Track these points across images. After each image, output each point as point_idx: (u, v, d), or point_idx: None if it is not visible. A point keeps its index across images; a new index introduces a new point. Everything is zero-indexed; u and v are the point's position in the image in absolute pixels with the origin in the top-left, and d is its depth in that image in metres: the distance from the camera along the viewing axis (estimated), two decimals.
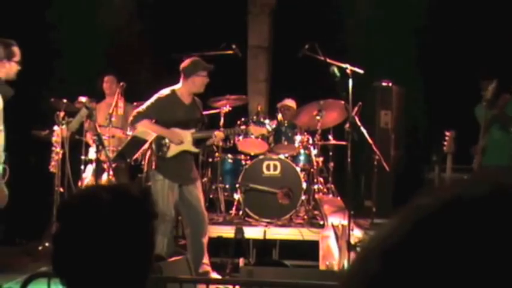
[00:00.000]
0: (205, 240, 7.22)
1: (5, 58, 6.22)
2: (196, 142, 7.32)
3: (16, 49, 6.29)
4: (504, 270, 0.54)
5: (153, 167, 7.19)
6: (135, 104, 8.86)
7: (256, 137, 8.16)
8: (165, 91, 7.20)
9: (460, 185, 0.62)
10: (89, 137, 8.33)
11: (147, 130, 7.22)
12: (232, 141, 8.57)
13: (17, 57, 6.29)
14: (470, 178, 0.63)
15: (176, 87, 7.22)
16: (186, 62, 7.24)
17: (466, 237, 0.56)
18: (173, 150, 7.17)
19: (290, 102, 9.52)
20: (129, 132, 8.24)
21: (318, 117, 8.57)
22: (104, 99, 9.20)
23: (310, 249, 7.72)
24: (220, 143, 8.39)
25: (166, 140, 7.17)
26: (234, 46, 8.70)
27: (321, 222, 8.18)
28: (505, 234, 0.55)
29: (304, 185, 8.22)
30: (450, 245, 0.56)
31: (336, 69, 7.40)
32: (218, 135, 7.50)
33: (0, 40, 6.31)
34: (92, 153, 8.02)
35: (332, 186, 8.96)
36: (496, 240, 0.55)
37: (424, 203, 0.61)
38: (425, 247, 0.57)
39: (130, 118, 7.19)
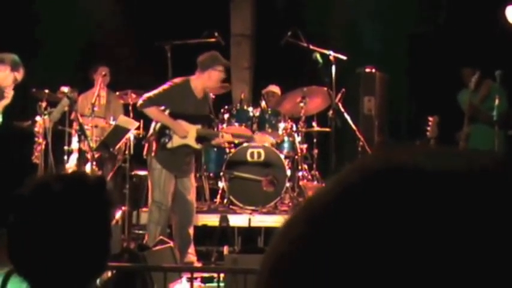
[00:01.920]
0: (191, 230, 7.23)
1: (9, 65, 6.62)
2: (199, 139, 7.27)
3: (22, 69, 6.96)
4: (426, 243, 0.53)
5: (153, 154, 7.12)
6: (117, 93, 8.82)
7: (260, 146, 8.09)
8: (179, 80, 7.12)
9: (402, 153, 0.60)
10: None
11: (153, 117, 7.14)
12: (216, 129, 8.55)
13: (20, 75, 6.65)
14: (421, 148, 0.61)
15: (191, 78, 7.13)
16: (204, 55, 7.15)
17: (395, 209, 0.54)
18: (175, 142, 7.10)
19: (275, 88, 9.52)
20: (112, 122, 8.21)
21: (301, 104, 8.55)
22: (89, 88, 9.09)
23: None
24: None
25: (170, 132, 7.10)
26: (216, 34, 8.66)
27: None
28: (432, 212, 0.54)
29: (288, 172, 8.22)
30: (378, 214, 0.54)
31: (318, 56, 7.41)
32: (226, 137, 7.44)
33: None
34: (74, 143, 7.98)
35: (316, 173, 8.95)
36: (422, 216, 0.54)
37: (359, 168, 0.59)
38: (353, 213, 0.55)
39: (140, 102, 7.08)
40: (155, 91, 7.07)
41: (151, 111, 7.06)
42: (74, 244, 1.77)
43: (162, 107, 7.06)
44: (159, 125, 7.13)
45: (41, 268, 1.77)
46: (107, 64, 8.84)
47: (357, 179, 0.58)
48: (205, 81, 7.10)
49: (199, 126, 7.21)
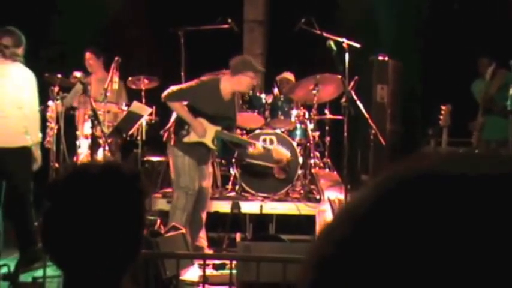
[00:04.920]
0: (204, 215, 7.29)
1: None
2: (230, 144, 7.30)
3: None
4: (463, 246, 0.56)
5: (172, 142, 7.10)
6: (130, 78, 8.82)
7: (276, 162, 7.89)
8: (209, 79, 7.06)
9: (436, 158, 0.65)
10: (82, 113, 8.36)
11: (175, 111, 7.09)
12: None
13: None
14: (451, 153, 0.66)
15: (222, 78, 7.05)
16: (236, 59, 7.08)
17: (434, 212, 0.58)
18: (192, 138, 7.05)
19: (289, 75, 9.50)
20: (124, 107, 8.21)
21: (314, 92, 8.53)
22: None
23: (306, 224, 7.72)
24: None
25: (189, 128, 7.06)
26: (230, 20, 8.64)
27: (318, 197, 8.18)
28: (467, 215, 0.58)
29: (300, 160, 8.21)
30: (416, 218, 0.58)
31: (332, 43, 7.37)
32: (258, 149, 7.37)
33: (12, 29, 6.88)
34: (87, 129, 7.99)
35: (328, 160, 8.94)
36: (459, 219, 0.57)
37: (397, 173, 0.64)
38: (393, 217, 0.60)
39: (165, 93, 6.98)
40: (183, 86, 7.04)
41: (174, 105, 7.00)
42: (107, 233, 1.78)
43: (186, 102, 7.01)
44: (179, 119, 7.09)
45: (74, 256, 1.78)
46: (95, 49, 8.83)
47: (393, 186, 0.62)
48: (234, 85, 7.02)
49: (219, 128, 7.14)
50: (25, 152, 6.73)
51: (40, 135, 7.00)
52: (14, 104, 6.65)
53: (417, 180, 0.61)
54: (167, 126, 7.25)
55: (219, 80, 7.04)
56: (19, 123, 6.67)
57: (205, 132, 7.06)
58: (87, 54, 8.79)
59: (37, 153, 6.87)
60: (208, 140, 7.12)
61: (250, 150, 7.40)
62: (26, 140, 6.71)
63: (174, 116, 7.20)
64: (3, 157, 6.63)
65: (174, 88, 7.01)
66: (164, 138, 7.27)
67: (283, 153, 7.54)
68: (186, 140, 7.06)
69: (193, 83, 7.02)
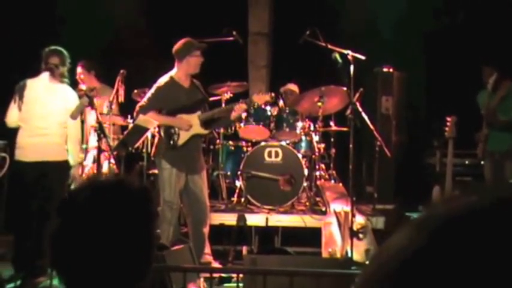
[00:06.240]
0: (206, 230, 7.19)
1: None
2: (206, 123, 7.27)
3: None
4: None
5: (161, 155, 7.13)
6: (135, 91, 8.82)
7: (261, 106, 8.00)
8: (163, 79, 7.13)
9: (472, 195, 0.63)
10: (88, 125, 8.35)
11: (153, 121, 7.15)
12: (233, 128, 8.56)
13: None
14: (482, 188, 0.65)
15: (173, 72, 7.15)
16: (177, 45, 7.17)
17: (483, 247, 0.57)
18: (184, 137, 7.10)
19: (293, 87, 9.51)
20: (130, 120, 8.21)
21: (319, 104, 8.53)
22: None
23: (312, 236, 7.71)
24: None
25: (176, 129, 7.11)
26: (234, 32, 8.65)
27: (323, 209, 8.17)
28: None
29: (306, 172, 8.20)
30: (468, 255, 0.57)
31: (337, 56, 7.37)
32: (241, 107, 7.35)
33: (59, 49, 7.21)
34: (92, 142, 7.99)
35: (334, 172, 8.93)
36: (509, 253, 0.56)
37: (439, 212, 0.63)
38: (444, 257, 0.58)
39: (134, 113, 7.14)
40: (145, 98, 7.15)
41: (150, 117, 7.08)
42: (118, 253, 1.77)
43: (158, 110, 7.09)
44: (163, 128, 7.14)
45: (82, 274, 1.77)
46: (86, 62, 8.81)
47: (439, 225, 0.61)
48: (186, 69, 7.12)
49: (199, 113, 7.21)
50: (64, 167, 6.97)
51: (81, 155, 7.34)
52: (60, 123, 6.95)
53: (462, 218, 0.60)
54: (156, 140, 7.30)
55: (171, 75, 7.14)
56: (62, 139, 6.97)
57: (191, 123, 7.11)
58: (78, 68, 8.75)
59: (77, 172, 7.14)
60: (197, 129, 7.17)
61: (234, 115, 7.38)
62: (66, 155, 6.97)
63: (157, 129, 7.25)
64: (43, 170, 6.83)
65: (140, 104, 7.15)
66: (152, 153, 7.32)
67: (263, 95, 7.55)
68: (180, 142, 7.09)
69: (152, 90, 7.13)
